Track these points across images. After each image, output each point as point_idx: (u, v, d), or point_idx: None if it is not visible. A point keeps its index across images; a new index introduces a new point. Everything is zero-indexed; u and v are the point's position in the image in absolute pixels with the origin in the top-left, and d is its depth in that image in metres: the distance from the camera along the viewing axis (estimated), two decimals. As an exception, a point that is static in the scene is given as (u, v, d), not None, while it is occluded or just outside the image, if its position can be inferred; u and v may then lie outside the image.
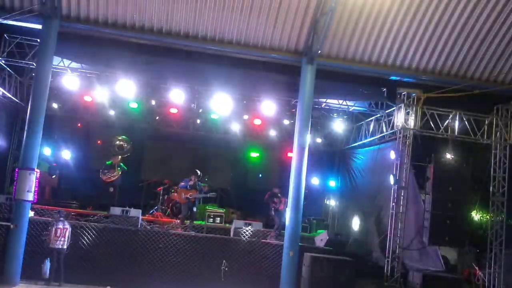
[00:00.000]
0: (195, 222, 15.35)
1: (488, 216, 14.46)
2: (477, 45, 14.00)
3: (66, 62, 15.37)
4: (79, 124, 18.43)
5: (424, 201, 14.33)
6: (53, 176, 17.07)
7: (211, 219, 15.84)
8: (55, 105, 17.46)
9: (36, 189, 12.46)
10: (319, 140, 18.82)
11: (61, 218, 12.64)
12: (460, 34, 13.76)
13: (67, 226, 12.54)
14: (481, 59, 14.31)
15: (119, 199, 15.64)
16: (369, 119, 16.97)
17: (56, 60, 14.63)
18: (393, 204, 14.01)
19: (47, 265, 12.37)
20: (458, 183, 13.98)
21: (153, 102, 17.13)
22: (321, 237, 15.19)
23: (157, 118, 17.95)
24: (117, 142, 17.12)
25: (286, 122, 17.96)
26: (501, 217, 14.41)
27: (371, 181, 16.40)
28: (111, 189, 15.79)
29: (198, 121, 18.23)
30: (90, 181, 16.80)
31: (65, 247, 12.41)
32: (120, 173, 16.00)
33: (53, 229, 12.41)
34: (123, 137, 17.65)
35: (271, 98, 16.44)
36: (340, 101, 17.01)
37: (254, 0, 13.04)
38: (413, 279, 13.27)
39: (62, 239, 12.38)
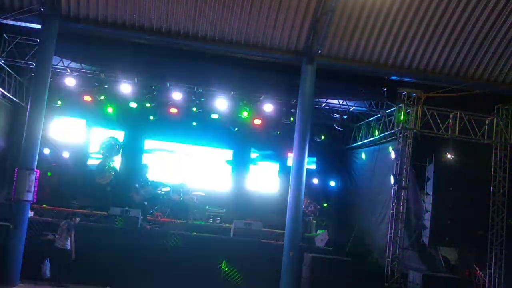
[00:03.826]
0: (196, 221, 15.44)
1: (488, 216, 14.42)
2: (477, 45, 14.00)
3: (66, 62, 15.39)
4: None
5: (425, 201, 14.32)
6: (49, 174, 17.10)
7: (211, 219, 15.87)
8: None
9: (36, 189, 12.45)
10: (319, 140, 18.80)
11: (69, 219, 12.67)
12: (461, 34, 13.76)
13: (65, 227, 12.50)
14: (481, 59, 14.31)
15: (118, 199, 15.62)
16: (369, 119, 16.95)
17: (56, 60, 14.64)
18: (393, 204, 13.99)
19: (47, 265, 12.38)
20: (458, 183, 13.99)
21: (153, 102, 17.11)
22: (321, 237, 15.16)
23: (157, 118, 17.92)
24: (105, 143, 17.09)
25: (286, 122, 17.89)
26: (502, 217, 14.39)
27: (371, 181, 16.38)
28: (108, 189, 15.79)
29: (197, 122, 18.20)
30: (89, 181, 16.77)
31: (66, 247, 12.38)
32: (112, 173, 15.98)
33: (58, 228, 12.49)
34: (111, 137, 17.64)
35: (271, 98, 16.46)
36: (340, 101, 17.02)
37: (254, -1, 13.05)
38: (413, 280, 13.24)
39: (61, 239, 12.38)
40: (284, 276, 13.13)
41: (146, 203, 15.65)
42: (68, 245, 12.38)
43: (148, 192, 16.04)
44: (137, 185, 15.79)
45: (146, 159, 18.77)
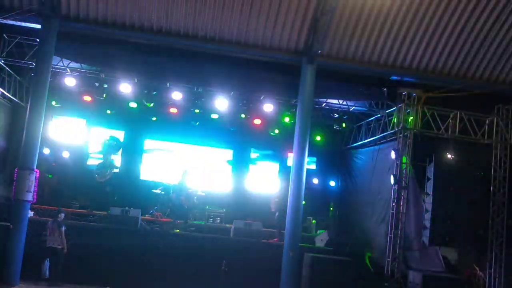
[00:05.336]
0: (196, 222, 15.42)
1: (488, 216, 14.42)
2: (477, 45, 13.98)
3: (66, 62, 15.38)
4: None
5: (425, 201, 14.32)
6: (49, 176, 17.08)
7: (211, 219, 15.85)
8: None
9: (36, 189, 12.44)
10: (319, 140, 18.81)
11: (54, 217, 12.63)
12: (461, 34, 13.75)
13: (55, 225, 12.45)
14: (482, 59, 14.29)
15: (118, 198, 15.62)
16: (369, 119, 16.95)
17: (56, 60, 14.63)
18: (394, 204, 13.98)
19: (47, 265, 12.37)
20: (458, 183, 13.99)
21: (153, 102, 17.12)
22: (321, 237, 15.17)
23: (157, 118, 17.93)
24: (106, 141, 17.12)
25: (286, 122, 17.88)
26: (502, 217, 14.39)
27: (371, 181, 16.38)
28: (107, 188, 15.78)
29: (197, 122, 18.20)
30: (89, 181, 16.76)
31: (59, 246, 12.34)
32: (111, 171, 15.97)
33: (47, 228, 12.45)
34: (112, 136, 17.64)
35: (271, 98, 16.45)
36: (340, 101, 17.01)
37: (254, -1, 13.04)
38: (413, 280, 13.25)
39: (53, 238, 12.34)
40: (284, 276, 13.11)
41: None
42: (62, 243, 12.36)
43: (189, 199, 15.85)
44: (190, 191, 15.63)
45: (146, 159, 18.81)
